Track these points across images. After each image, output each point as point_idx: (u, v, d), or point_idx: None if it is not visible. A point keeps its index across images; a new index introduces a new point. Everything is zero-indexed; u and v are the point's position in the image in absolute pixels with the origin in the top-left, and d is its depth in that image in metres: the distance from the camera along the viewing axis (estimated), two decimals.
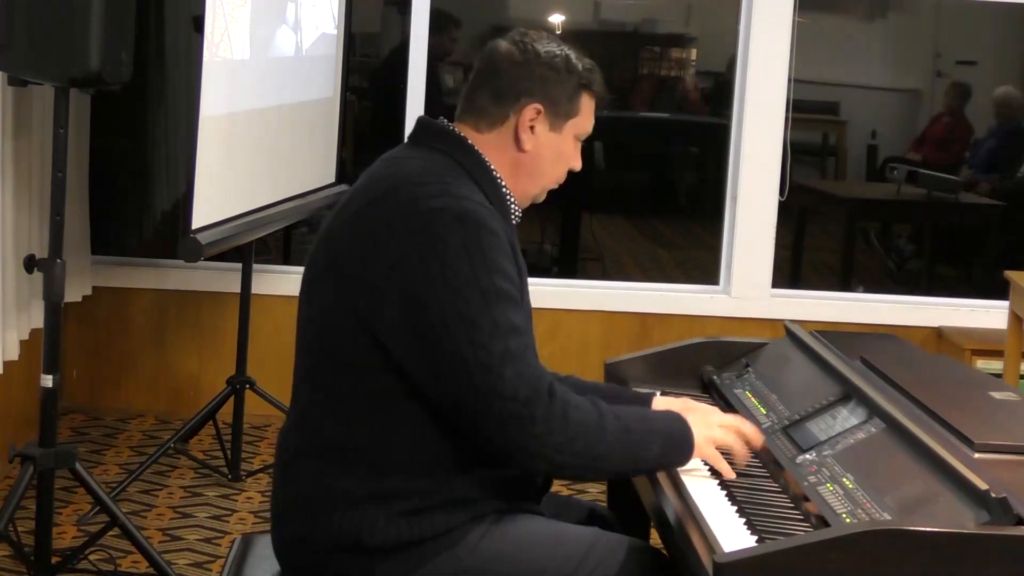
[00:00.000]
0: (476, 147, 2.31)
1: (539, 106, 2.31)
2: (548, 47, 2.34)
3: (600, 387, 2.58)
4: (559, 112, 2.33)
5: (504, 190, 2.33)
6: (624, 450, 2.21)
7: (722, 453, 2.34)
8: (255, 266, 4.61)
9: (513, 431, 2.11)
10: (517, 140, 2.32)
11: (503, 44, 2.35)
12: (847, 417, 2.41)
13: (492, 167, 2.32)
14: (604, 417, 2.19)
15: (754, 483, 2.33)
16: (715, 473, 2.35)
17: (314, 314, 2.26)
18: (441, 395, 2.15)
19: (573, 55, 2.36)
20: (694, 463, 2.34)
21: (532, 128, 2.32)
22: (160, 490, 4.39)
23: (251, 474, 4.53)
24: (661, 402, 2.53)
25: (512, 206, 2.35)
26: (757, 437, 2.40)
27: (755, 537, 2.08)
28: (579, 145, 2.41)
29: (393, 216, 2.18)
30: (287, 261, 5.56)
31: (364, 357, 2.18)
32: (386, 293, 2.15)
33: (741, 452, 2.36)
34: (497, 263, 2.16)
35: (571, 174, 2.52)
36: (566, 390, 2.18)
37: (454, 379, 2.12)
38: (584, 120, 2.38)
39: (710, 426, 2.34)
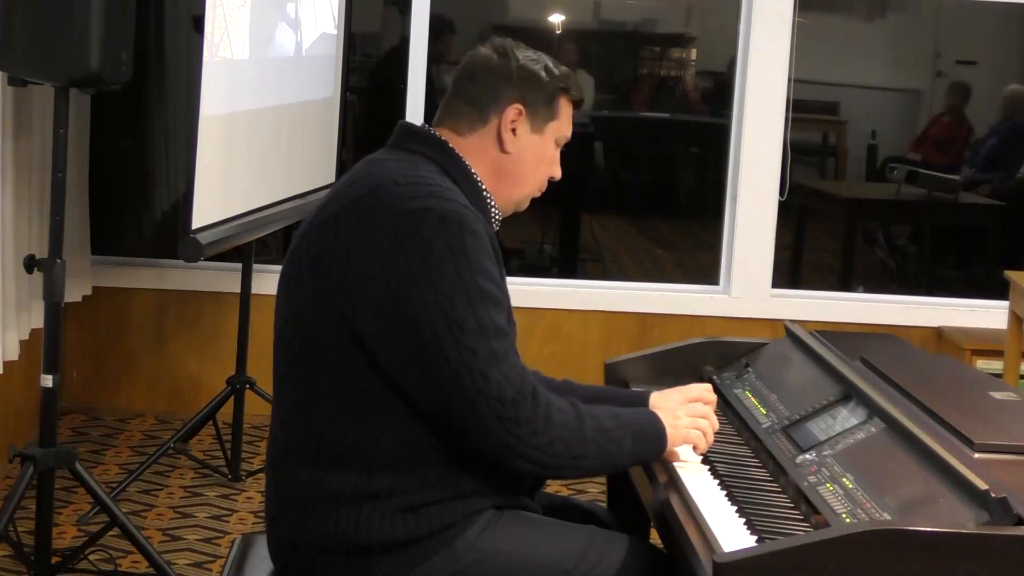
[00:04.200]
0: (457, 151, 2.32)
1: (520, 107, 2.33)
2: (526, 52, 2.38)
3: (598, 390, 2.58)
4: (540, 114, 2.35)
5: (485, 194, 2.34)
6: (600, 449, 2.22)
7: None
8: (255, 266, 4.61)
9: (497, 431, 2.12)
10: (500, 142, 2.34)
11: (481, 51, 2.39)
12: (847, 417, 2.42)
13: (473, 171, 2.33)
14: (582, 417, 2.21)
15: (754, 483, 2.33)
16: (714, 472, 2.35)
17: (295, 313, 2.26)
18: (425, 395, 2.15)
19: (550, 61, 2.40)
20: (692, 457, 2.37)
21: (514, 130, 2.34)
22: (160, 490, 4.39)
23: (251, 474, 4.53)
24: (657, 396, 2.52)
25: (493, 210, 2.36)
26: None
27: (755, 537, 2.08)
28: (558, 153, 2.42)
29: (376, 216, 2.18)
30: None
31: (347, 355, 2.18)
32: (369, 294, 2.15)
33: (703, 447, 2.39)
34: (481, 264, 2.16)
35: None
36: (547, 391, 2.19)
37: (439, 380, 2.12)
38: (563, 124, 2.40)
39: (678, 417, 2.37)
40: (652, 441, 2.31)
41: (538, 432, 2.14)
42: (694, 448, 2.39)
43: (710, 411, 2.43)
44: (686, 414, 2.39)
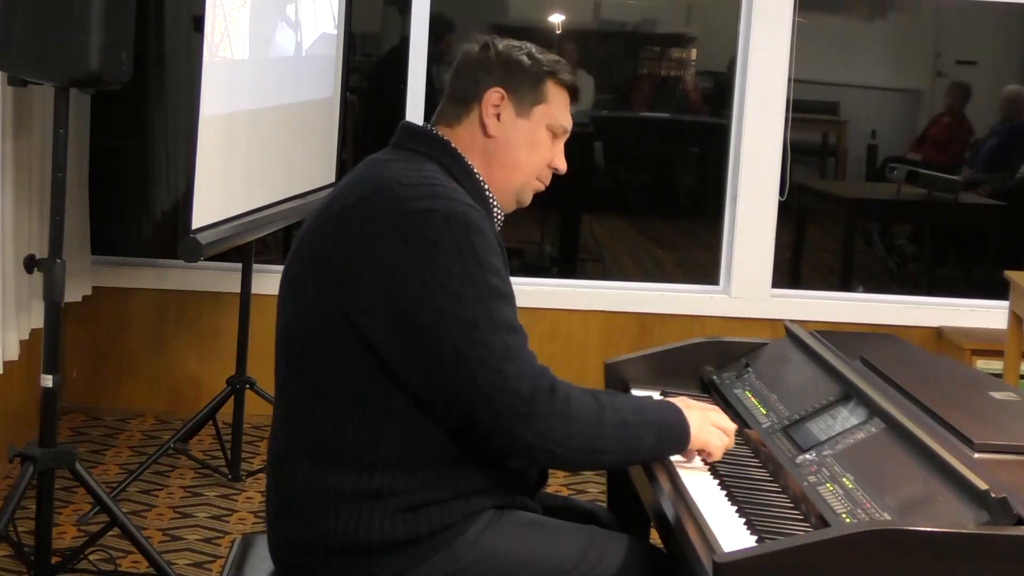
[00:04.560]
0: (457, 148, 2.33)
1: (501, 91, 2.33)
2: (509, 43, 2.39)
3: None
4: (524, 98, 2.35)
5: (487, 193, 2.34)
6: (621, 442, 2.22)
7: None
8: (255, 266, 4.61)
9: (515, 427, 2.12)
10: (483, 127, 2.34)
11: (465, 47, 2.40)
12: (847, 417, 2.41)
13: (474, 169, 2.33)
14: (603, 410, 2.20)
15: (754, 483, 2.33)
16: (714, 472, 2.35)
17: (297, 313, 2.26)
18: (437, 394, 2.15)
19: (535, 49, 2.40)
20: (699, 463, 2.37)
21: (498, 116, 2.34)
22: (160, 490, 4.39)
23: (251, 474, 4.53)
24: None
25: (495, 209, 2.36)
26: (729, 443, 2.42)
27: (755, 537, 2.08)
28: (560, 142, 2.41)
29: (380, 216, 2.18)
30: None
31: (349, 355, 2.17)
32: (375, 295, 2.15)
33: (718, 454, 2.36)
34: (489, 261, 2.16)
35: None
36: (567, 384, 2.18)
37: (454, 378, 2.12)
38: (554, 109, 2.38)
39: (705, 419, 2.36)
40: (675, 437, 2.30)
41: (556, 427, 2.13)
42: (707, 455, 2.37)
43: (731, 427, 2.42)
44: (711, 423, 2.37)
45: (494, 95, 2.33)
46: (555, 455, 2.16)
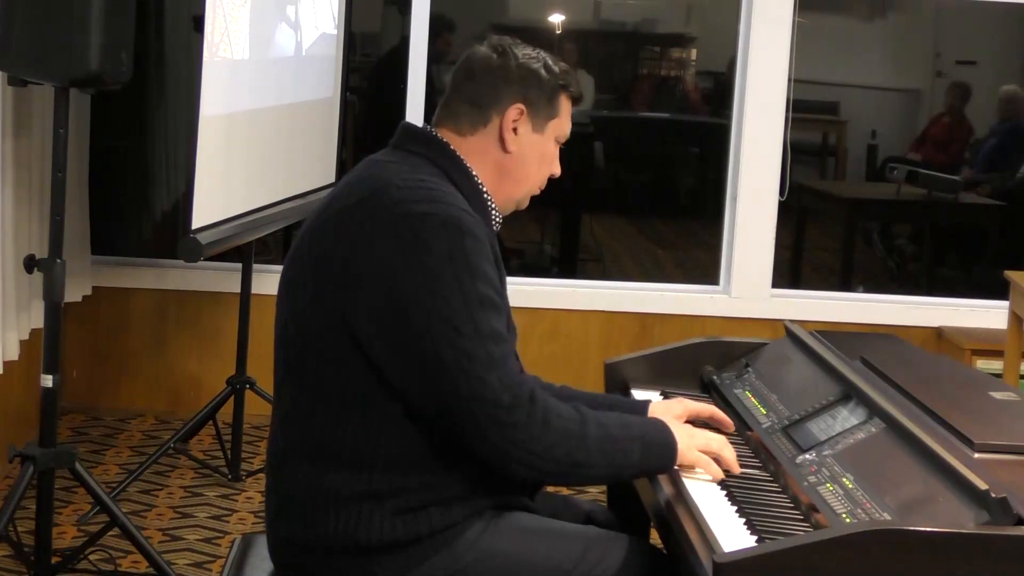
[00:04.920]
0: (458, 152, 2.32)
1: (521, 106, 2.33)
2: (524, 50, 2.38)
3: (594, 397, 2.58)
4: (540, 113, 2.35)
5: (485, 196, 2.34)
6: (604, 457, 2.21)
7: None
8: (255, 266, 4.61)
9: (494, 436, 2.12)
10: (502, 142, 2.33)
11: (480, 50, 2.38)
12: (847, 417, 2.42)
13: (473, 172, 2.32)
14: (586, 424, 2.20)
15: (754, 483, 2.33)
16: None
17: (295, 313, 2.26)
18: (423, 398, 2.15)
19: (549, 58, 2.39)
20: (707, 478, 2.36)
21: (516, 130, 2.33)
22: (160, 490, 4.39)
23: (251, 474, 4.53)
24: (658, 406, 2.53)
25: (493, 212, 2.36)
26: (734, 464, 2.38)
27: (755, 537, 2.08)
28: (558, 150, 2.42)
29: (378, 219, 2.18)
30: None
31: (347, 356, 2.18)
32: (368, 296, 2.15)
33: (715, 470, 2.34)
34: (481, 269, 2.16)
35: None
36: (547, 396, 2.18)
37: (436, 383, 2.12)
38: (563, 122, 2.40)
39: (692, 435, 2.35)
40: (661, 454, 2.29)
41: (535, 437, 2.13)
42: (726, 465, 2.34)
43: (724, 439, 2.41)
44: (702, 436, 2.36)
45: (514, 110, 2.33)
46: (534, 466, 2.15)
